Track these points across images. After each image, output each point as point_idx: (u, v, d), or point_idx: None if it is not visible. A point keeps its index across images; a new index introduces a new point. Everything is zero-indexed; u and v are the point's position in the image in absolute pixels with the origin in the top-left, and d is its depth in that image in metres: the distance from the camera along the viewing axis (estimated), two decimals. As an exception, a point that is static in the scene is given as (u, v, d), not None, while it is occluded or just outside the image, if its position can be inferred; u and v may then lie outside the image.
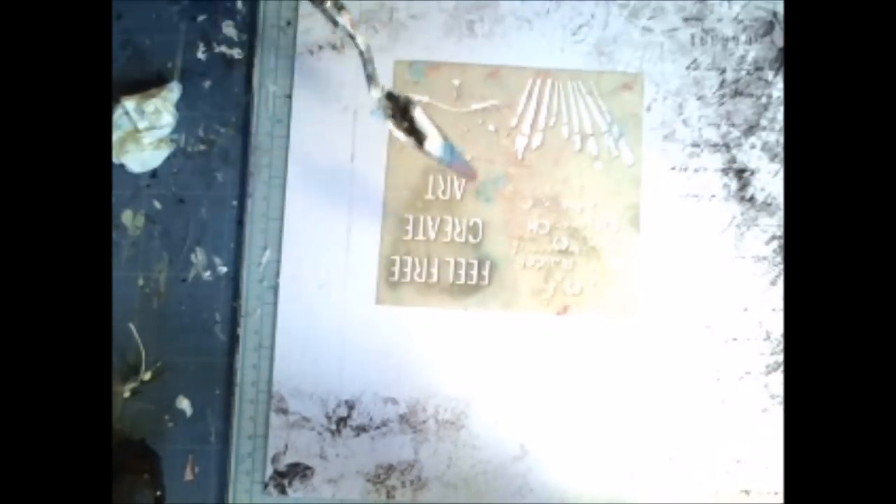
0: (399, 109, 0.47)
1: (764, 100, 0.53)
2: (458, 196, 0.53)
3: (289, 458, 0.52)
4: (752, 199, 0.52)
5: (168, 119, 0.54)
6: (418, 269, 0.53)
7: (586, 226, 0.53)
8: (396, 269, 0.53)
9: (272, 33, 0.55)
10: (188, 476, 0.52)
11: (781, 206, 0.52)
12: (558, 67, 0.54)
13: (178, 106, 0.55)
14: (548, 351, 0.52)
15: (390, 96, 0.47)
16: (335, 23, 0.46)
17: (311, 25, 0.55)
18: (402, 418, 0.52)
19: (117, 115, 0.53)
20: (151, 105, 0.53)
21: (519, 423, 0.52)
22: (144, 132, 0.53)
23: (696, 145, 0.53)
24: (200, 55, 0.56)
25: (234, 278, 0.54)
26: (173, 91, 0.54)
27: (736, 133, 0.53)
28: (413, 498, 0.51)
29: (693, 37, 0.54)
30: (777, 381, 0.51)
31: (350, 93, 0.54)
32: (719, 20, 0.54)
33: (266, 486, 0.52)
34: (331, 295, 0.53)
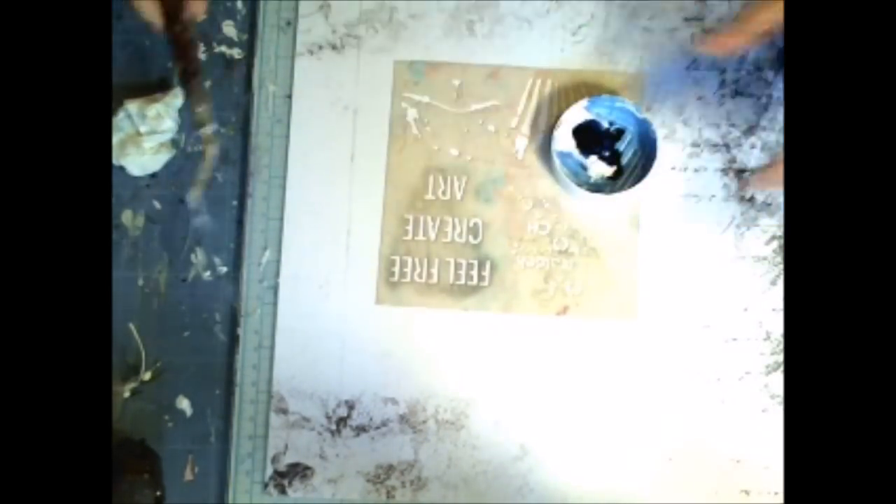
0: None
1: (764, 100, 0.53)
2: (458, 196, 0.53)
3: (289, 458, 0.52)
4: (752, 199, 0.52)
5: (170, 124, 0.54)
6: (418, 270, 0.53)
7: (586, 226, 0.53)
8: (396, 269, 0.53)
9: (272, 33, 0.55)
10: (188, 476, 0.52)
11: (781, 206, 0.52)
12: (558, 67, 0.54)
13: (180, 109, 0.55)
14: (548, 351, 0.52)
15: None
16: None
17: (311, 25, 0.55)
18: (402, 418, 0.52)
19: (119, 117, 0.53)
20: (154, 110, 0.53)
21: (519, 423, 0.52)
22: (146, 136, 0.53)
23: (696, 145, 0.53)
24: (200, 55, 0.56)
25: (234, 278, 0.54)
26: (177, 97, 0.54)
27: (736, 133, 0.53)
28: (413, 498, 0.51)
29: (693, 37, 0.54)
30: (777, 381, 0.51)
31: (350, 93, 0.54)
32: (719, 20, 0.54)
33: (266, 486, 0.52)
34: (331, 295, 0.53)
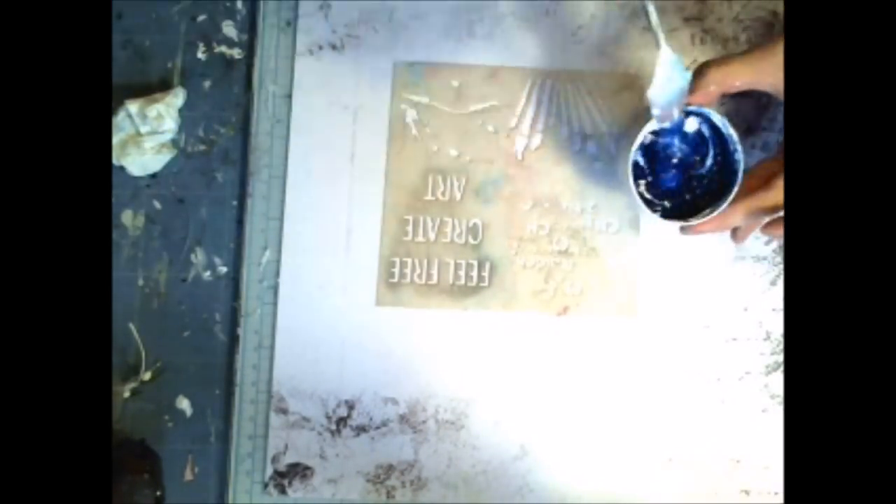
0: None
1: (764, 100, 0.53)
2: (458, 197, 0.53)
3: (289, 458, 0.52)
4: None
5: (170, 125, 0.54)
6: (418, 271, 0.53)
7: (586, 226, 0.53)
8: (396, 270, 0.53)
9: (272, 33, 0.55)
10: (188, 476, 0.52)
11: (781, 206, 0.52)
12: (558, 67, 0.54)
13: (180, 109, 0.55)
14: (548, 351, 0.52)
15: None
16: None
17: (311, 25, 0.55)
18: (402, 418, 0.52)
19: (120, 117, 0.53)
20: (154, 110, 0.53)
21: (519, 423, 0.52)
22: (146, 136, 0.53)
23: (696, 145, 0.53)
24: (200, 55, 0.56)
25: (234, 278, 0.54)
26: (178, 97, 0.54)
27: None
28: (413, 498, 0.51)
29: (693, 37, 0.54)
30: (777, 381, 0.51)
31: (350, 93, 0.54)
32: (719, 20, 0.54)
33: (266, 486, 0.52)
34: (331, 295, 0.53)
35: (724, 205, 0.46)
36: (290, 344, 0.53)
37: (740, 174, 0.46)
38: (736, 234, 0.50)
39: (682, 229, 0.48)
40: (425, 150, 0.54)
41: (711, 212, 0.47)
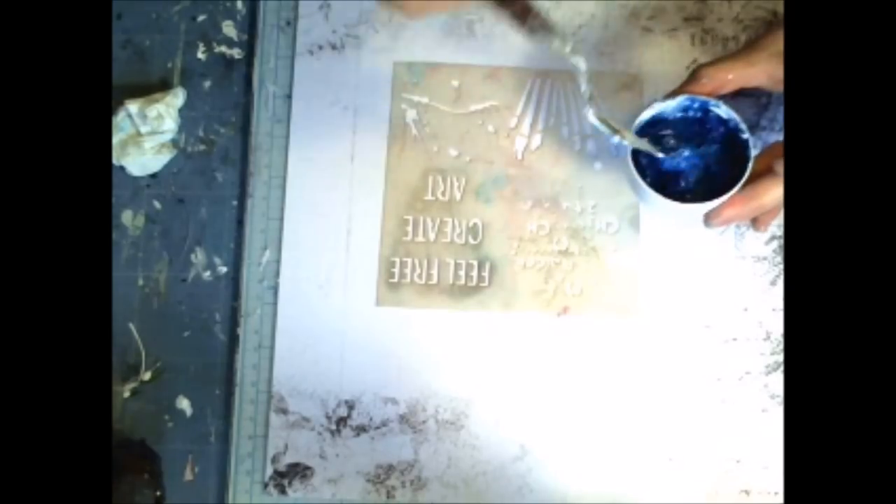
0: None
1: (764, 100, 0.53)
2: (458, 197, 0.53)
3: (289, 458, 0.52)
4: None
5: (170, 125, 0.54)
6: (418, 271, 0.53)
7: (586, 226, 0.53)
8: (396, 270, 0.53)
9: (272, 33, 0.55)
10: (188, 476, 0.52)
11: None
12: (558, 68, 0.54)
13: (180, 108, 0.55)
14: (548, 351, 0.52)
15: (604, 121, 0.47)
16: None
17: (311, 25, 0.55)
18: (402, 418, 0.52)
19: (120, 117, 0.53)
20: (154, 110, 0.53)
21: (519, 423, 0.52)
22: (146, 136, 0.53)
23: (696, 145, 0.53)
24: (200, 55, 0.56)
25: (234, 278, 0.54)
26: (178, 97, 0.54)
27: (736, 133, 0.53)
28: (413, 498, 0.51)
29: (693, 37, 0.54)
30: (777, 381, 0.51)
31: (350, 93, 0.54)
32: (719, 20, 0.54)
33: (266, 486, 0.52)
34: (331, 295, 0.53)
35: (739, 184, 0.46)
36: (290, 344, 0.53)
37: (751, 152, 0.46)
38: (758, 219, 0.49)
39: (706, 220, 0.47)
40: (425, 150, 0.54)
41: (726, 192, 0.46)
